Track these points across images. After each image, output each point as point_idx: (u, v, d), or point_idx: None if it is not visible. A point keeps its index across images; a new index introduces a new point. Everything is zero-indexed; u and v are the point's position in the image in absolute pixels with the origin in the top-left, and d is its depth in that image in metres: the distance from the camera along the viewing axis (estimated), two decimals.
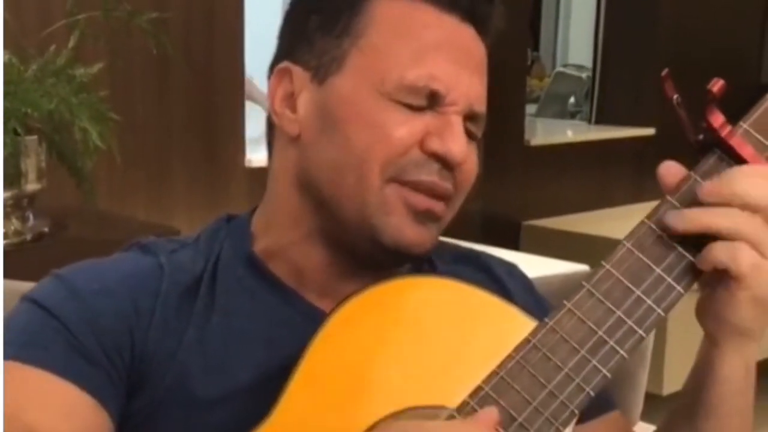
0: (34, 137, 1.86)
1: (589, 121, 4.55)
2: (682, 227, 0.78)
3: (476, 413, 0.75)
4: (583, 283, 0.79)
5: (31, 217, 1.93)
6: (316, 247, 0.91)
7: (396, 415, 0.78)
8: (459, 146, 0.86)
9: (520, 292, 0.99)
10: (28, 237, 1.91)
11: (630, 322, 0.78)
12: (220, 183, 2.87)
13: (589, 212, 4.07)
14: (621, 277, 0.79)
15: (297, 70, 0.91)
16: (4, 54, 1.82)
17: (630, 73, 4.25)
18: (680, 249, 0.79)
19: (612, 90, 4.40)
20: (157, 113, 2.74)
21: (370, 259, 0.89)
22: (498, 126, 4.04)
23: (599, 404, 0.94)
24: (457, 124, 0.87)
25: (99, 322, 0.84)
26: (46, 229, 1.96)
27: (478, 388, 0.77)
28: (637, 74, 4.20)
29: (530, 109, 4.87)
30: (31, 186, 1.89)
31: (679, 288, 0.79)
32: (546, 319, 0.79)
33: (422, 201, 0.87)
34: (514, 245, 3.77)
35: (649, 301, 0.79)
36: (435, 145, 0.86)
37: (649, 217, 0.81)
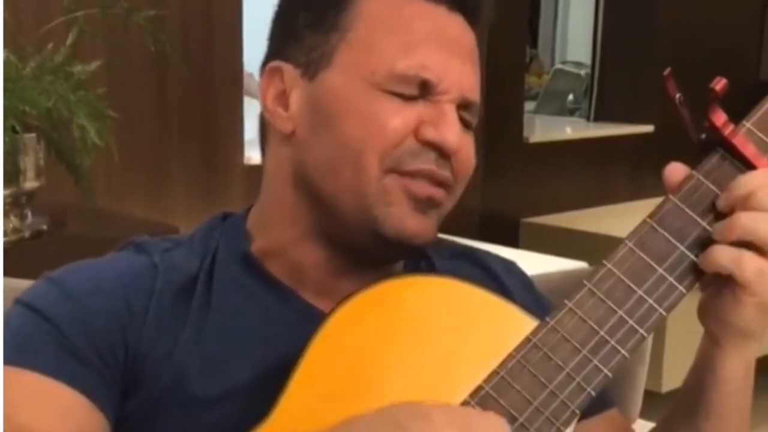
0: (33, 135, 1.86)
1: (588, 119, 4.55)
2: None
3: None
4: (585, 282, 0.79)
5: (29, 214, 1.93)
6: (312, 245, 0.90)
7: None
8: (454, 134, 0.86)
9: (518, 289, 0.99)
10: (27, 234, 1.91)
11: (631, 322, 0.78)
12: (219, 180, 2.87)
13: (588, 209, 4.07)
14: (622, 277, 0.79)
15: (287, 68, 0.91)
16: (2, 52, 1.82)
17: (629, 70, 4.25)
18: (683, 249, 0.79)
19: (611, 87, 4.40)
20: (156, 110, 2.73)
21: (370, 254, 0.89)
22: (497, 123, 4.07)
23: (598, 402, 0.94)
24: (451, 112, 0.87)
25: (91, 322, 0.83)
26: (44, 227, 1.96)
27: (479, 388, 0.76)
28: (636, 71, 4.19)
29: (529, 106, 4.87)
30: (30, 184, 1.89)
31: (681, 288, 0.79)
32: (547, 319, 0.78)
33: (423, 188, 0.87)
34: (513, 242, 3.77)
35: (650, 301, 0.78)
36: (429, 133, 0.86)
37: (651, 216, 0.80)
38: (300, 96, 0.90)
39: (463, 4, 0.91)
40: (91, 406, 0.81)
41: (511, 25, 3.72)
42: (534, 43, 6.71)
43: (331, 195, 0.88)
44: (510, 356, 0.77)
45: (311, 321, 0.81)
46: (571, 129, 4.61)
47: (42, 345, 0.82)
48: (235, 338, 0.87)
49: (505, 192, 3.79)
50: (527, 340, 0.78)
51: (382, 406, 0.74)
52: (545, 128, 4.68)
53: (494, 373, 0.77)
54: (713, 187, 0.80)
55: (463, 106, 0.89)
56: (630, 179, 4.20)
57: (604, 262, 0.79)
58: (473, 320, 0.84)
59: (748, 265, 0.76)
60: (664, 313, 0.79)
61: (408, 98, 0.86)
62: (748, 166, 0.80)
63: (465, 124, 0.90)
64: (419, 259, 0.98)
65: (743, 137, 0.80)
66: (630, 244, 0.80)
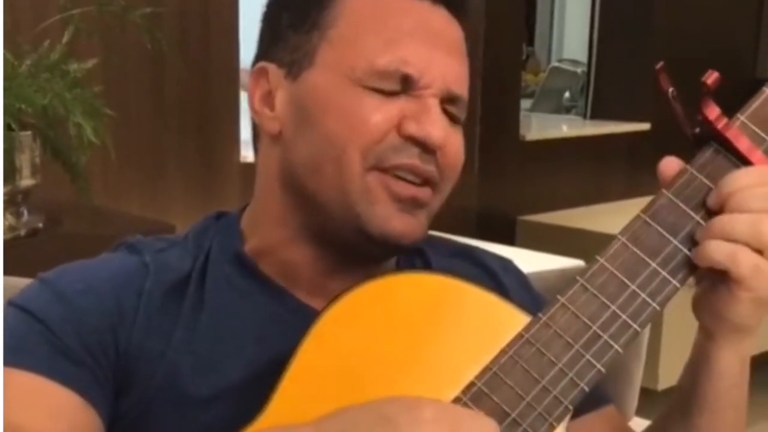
0: (29, 133, 1.86)
1: (585, 116, 4.55)
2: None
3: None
4: (578, 277, 0.79)
5: (25, 212, 1.93)
6: (303, 244, 0.90)
7: None
8: (437, 129, 0.85)
9: (515, 287, 0.99)
10: (23, 233, 1.91)
11: (625, 317, 0.78)
12: (215, 178, 2.86)
13: (584, 207, 4.07)
14: (616, 272, 0.79)
15: (272, 69, 0.91)
16: None
17: (625, 68, 4.25)
18: (676, 243, 0.79)
19: (607, 85, 4.40)
20: (152, 108, 2.73)
21: (359, 252, 0.89)
22: (493, 121, 4.06)
23: (594, 398, 0.94)
24: (434, 106, 0.86)
25: (84, 322, 0.84)
26: (40, 225, 1.96)
27: (471, 384, 0.76)
28: (632, 69, 4.19)
29: (525, 104, 4.86)
30: (26, 182, 1.89)
31: (674, 282, 0.79)
32: (539, 314, 0.78)
33: (405, 188, 0.86)
34: (510, 240, 3.77)
35: (644, 296, 0.78)
36: (412, 128, 0.85)
37: (644, 211, 0.80)
38: (284, 96, 0.90)
39: None
40: (85, 406, 0.81)
41: (507, 23, 3.72)
42: (530, 41, 6.71)
43: (316, 193, 0.87)
44: (503, 352, 0.77)
45: (305, 320, 0.81)
46: (567, 127, 4.61)
47: (35, 345, 0.82)
48: (228, 338, 0.87)
49: (501, 190, 3.79)
50: (520, 335, 0.78)
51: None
52: (542, 126, 4.67)
53: (487, 369, 0.77)
54: (707, 181, 0.80)
55: (448, 100, 0.88)
56: (627, 177, 4.20)
57: (597, 257, 0.79)
58: (466, 317, 0.84)
59: (743, 260, 0.76)
60: (657, 307, 0.78)
61: (390, 94, 0.86)
62: (742, 159, 0.80)
63: (452, 118, 0.89)
64: (414, 256, 0.98)
65: (737, 130, 0.80)
66: (623, 239, 0.80)
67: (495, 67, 3.60)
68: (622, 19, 4.30)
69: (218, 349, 0.86)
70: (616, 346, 0.77)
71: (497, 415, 0.75)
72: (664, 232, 0.79)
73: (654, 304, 0.78)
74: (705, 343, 0.84)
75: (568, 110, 5.39)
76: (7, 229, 1.88)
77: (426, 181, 0.87)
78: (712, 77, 0.79)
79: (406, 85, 0.86)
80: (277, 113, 0.90)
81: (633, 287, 0.78)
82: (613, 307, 0.78)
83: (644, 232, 0.80)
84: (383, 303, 0.83)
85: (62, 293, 0.85)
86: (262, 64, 0.92)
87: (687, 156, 0.83)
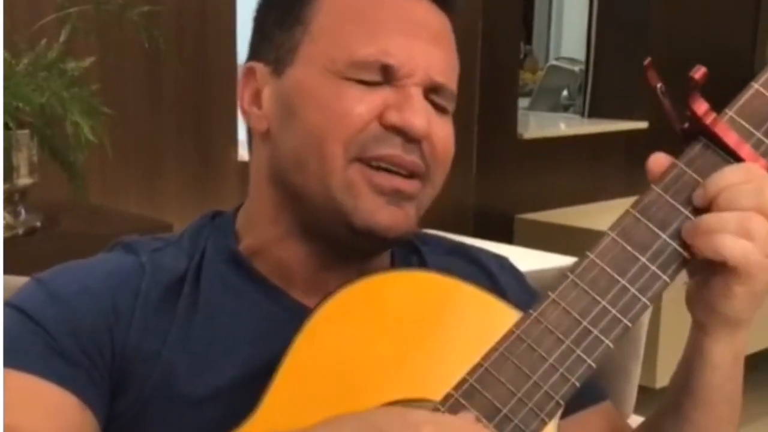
0: (26, 131, 1.85)
1: (582, 115, 4.55)
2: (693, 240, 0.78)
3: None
4: (568, 273, 0.79)
5: (23, 211, 1.92)
6: (295, 241, 0.90)
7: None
8: (419, 117, 0.85)
9: (511, 284, 0.99)
10: (20, 231, 1.90)
11: (615, 312, 0.78)
12: (213, 176, 2.86)
13: (582, 205, 4.07)
14: (606, 267, 0.79)
15: (259, 67, 0.91)
16: None
17: (623, 67, 4.25)
18: (665, 238, 0.79)
19: (605, 83, 4.40)
20: (149, 107, 2.73)
21: (349, 246, 0.89)
22: (491, 120, 4.06)
23: (590, 395, 0.94)
24: (417, 95, 0.86)
25: (79, 323, 0.83)
26: (38, 224, 1.95)
27: (463, 380, 0.76)
28: (630, 67, 4.19)
29: (523, 102, 4.87)
30: (23, 180, 1.89)
31: (664, 277, 0.79)
32: (530, 311, 0.78)
33: (387, 180, 0.85)
34: (508, 239, 3.77)
35: (634, 291, 0.78)
36: (393, 117, 0.85)
37: (633, 206, 0.81)
38: (270, 93, 0.90)
39: None
40: (81, 406, 0.81)
41: (505, 22, 3.72)
42: (528, 40, 6.72)
43: (301, 188, 0.87)
44: (494, 348, 0.77)
45: (299, 319, 0.81)
46: (565, 125, 4.61)
47: (30, 346, 0.82)
48: (223, 337, 0.87)
49: (499, 188, 3.79)
50: (511, 332, 0.78)
51: (366, 407, 0.74)
52: (539, 124, 4.67)
53: (478, 365, 0.77)
54: (696, 176, 0.80)
55: (432, 89, 0.88)
56: (624, 175, 4.20)
57: (587, 253, 0.79)
58: (458, 314, 0.84)
59: (736, 249, 0.76)
60: (647, 302, 0.79)
61: (371, 84, 0.85)
62: (731, 154, 0.80)
63: (438, 108, 0.89)
64: (410, 254, 0.98)
65: (725, 125, 0.80)
66: (613, 235, 0.80)
67: (493, 66, 3.60)
68: (619, 17, 4.31)
69: (213, 349, 0.86)
70: (606, 341, 0.77)
71: (489, 411, 0.75)
72: (654, 227, 0.79)
73: (644, 299, 0.79)
74: (698, 337, 0.84)
75: (565, 109, 5.40)
76: (5, 227, 1.88)
77: (412, 173, 0.87)
78: (699, 72, 0.79)
79: (388, 75, 0.85)
80: (265, 111, 0.90)
81: (623, 282, 0.79)
82: (604, 303, 0.78)
83: (634, 227, 0.80)
84: (376, 300, 0.83)
85: (57, 294, 0.85)
86: (249, 63, 0.92)
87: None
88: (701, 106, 0.80)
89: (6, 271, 1.05)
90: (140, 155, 2.71)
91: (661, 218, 0.80)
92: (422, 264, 0.98)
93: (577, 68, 5.32)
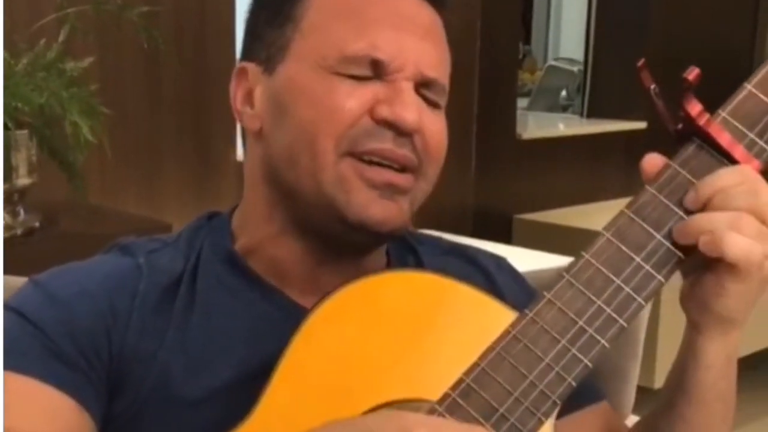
0: (25, 132, 1.86)
1: (581, 115, 4.55)
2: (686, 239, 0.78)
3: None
4: (563, 273, 0.79)
5: (21, 211, 1.92)
6: (290, 238, 0.90)
7: (378, 410, 0.77)
8: (410, 111, 0.85)
9: (509, 284, 1.00)
10: (19, 232, 1.91)
11: (610, 311, 0.78)
12: (212, 176, 2.86)
13: (581, 206, 4.07)
14: (601, 267, 0.79)
15: (251, 67, 0.91)
16: None
17: (622, 67, 4.25)
18: (660, 238, 0.80)
19: (604, 83, 4.40)
20: (148, 107, 2.73)
21: (343, 242, 0.89)
22: (490, 120, 4.06)
23: (587, 395, 0.95)
24: (407, 90, 0.86)
25: (76, 325, 0.83)
26: (36, 224, 1.96)
27: (460, 381, 0.76)
28: (629, 68, 4.17)
29: (522, 102, 4.87)
30: (22, 180, 1.89)
31: (659, 277, 0.79)
32: (526, 310, 0.79)
33: (379, 174, 0.85)
34: (506, 239, 3.78)
35: (629, 290, 0.79)
36: (384, 111, 0.85)
37: (628, 206, 0.81)
38: (262, 92, 0.90)
39: None
40: (78, 408, 0.81)
41: (504, 22, 3.73)
42: (527, 40, 6.72)
43: (294, 184, 0.87)
44: (490, 348, 0.77)
45: (294, 318, 0.81)
46: (564, 125, 4.61)
47: (28, 348, 0.82)
48: (220, 337, 0.87)
49: (498, 188, 3.79)
50: (507, 332, 0.78)
51: (363, 408, 0.74)
52: (538, 125, 4.68)
53: (475, 365, 0.77)
54: (690, 177, 0.80)
55: (423, 84, 0.88)
56: (623, 175, 4.21)
57: (582, 253, 0.80)
58: (455, 315, 0.84)
59: (734, 245, 0.76)
60: (642, 302, 0.79)
61: (362, 79, 0.85)
62: (724, 154, 0.80)
63: (430, 102, 0.89)
64: (407, 255, 0.98)
65: (718, 126, 0.80)
66: (608, 235, 0.80)
67: (491, 66, 3.60)
68: (618, 17, 4.31)
69: (209, 349, 0.86)
70: (602, 341, 0.78)
71: (486, 411, 0.75)
72: (648, 228, 0.80)
73: (639, 299, 0.79)
74: (692, 336, 0.84)
75: (564, 109, 5.40)
76: (4, 228, 1.88)
77: (404, 167, 0.87)
78: (692, 73, 0.79)
79: (378, 70, 0.86)
80: (257, 110, 0.91)
81: (618, 282, 0.79)
82: (599, 302, 0.78)
83: (628, 227, 0.80)
84: (373, 301, 0.83)
85: (55, 296, 0.85)
86: (241, 64, 0.93)
87: None
88: (695, 107, 0.80)
89: (5, 272, 1.05)
90: (139, 155, 2.71)
91: (655, 218, 0.80)
92: (419, 264, 0.98)
93: (575, 68, 5.33)
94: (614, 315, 0.78)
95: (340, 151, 0.85)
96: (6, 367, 0.80)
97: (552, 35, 6.99)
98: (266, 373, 0.79)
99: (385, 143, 0.85)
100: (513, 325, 0.78)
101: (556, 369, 0.77)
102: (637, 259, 0.79)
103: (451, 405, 0.76)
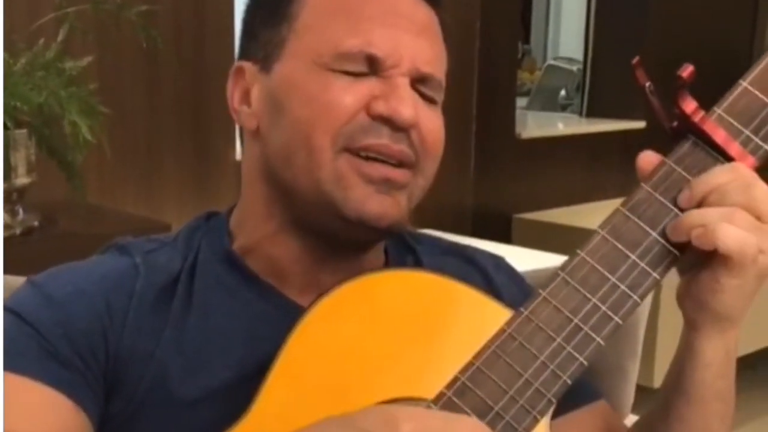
0: (24, 131, 1.85)
1: (580, 114, 4.55)
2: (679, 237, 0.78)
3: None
4: (558, 271, 0.79)
5: (20, 211, 1.92)
6: (288, 237, 0.90)
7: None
8: (406, 106, 0.85)
9: (506, 284, 1.00)
10: (18, 231, 1.90)
11: (605, 309, 0.78)
12: (211, 176, 2.86)
13: (580, 205, 4.07)
14: (596, 265, 0.79)
15: (248, 66, 0.92)
16: None
17: (621, 66, 4.22)
18: (655, 235, 0.80)
19: (603, 83, 4.40)
20: (147, 106, 2.73)
21: (342, 239, 0.88)
22: (489, 119, 4.06)
23: (584, 394, 0.95)
24: (403, 85, 0.86)
25: (73, 325, 0.83)
26: (35, 223, 1.95)
27: (455, 379, 0.76)
28: (628, 67, 4.19)
29: (521, 102, 4.87)
30: (21, 180, 1.89)
31: (654, 274, 0.79)
32: (521, 308, 0.79)
33: (376, 169, 0.85)
34: (506, 238, 3.78)
35: (624, 288, 0.79)
36: (380, 107, 0.85)
37: (623, 204, 0.81)
38: (259, 91, 0.90)
39: None
40: (75, 408, 0.81)
41: (503, 21, 3.72)
42: (526, 39, 6.72)
43: (291, 182, 0.87)
44: (485, 347, 0.77)
45: (292, 318, 0.81)
46: (563, 125, 4.61)
47: (25, 348, 0.82)
48: (217, 337, 0.87)
49: (497, 188, 3.79)
50: (502, 330, 0.78)
51: (359, 407, 0.74)
52: (537, 124, 4.68)
53: (470, 363, 0.77)
54: (685, 174, 0.81)
55: (419, 80, 0.88)
56: (622, 175, 4.20)
57: (578, 251, 0.80)
58: (452, 314, 0.84)
59: (729, 236, 0.76)
60: (638, 299, 0.79)
61: (357, 75, 0.86)
62: (720, 152, 0.81)
63: (426, 98, 0.89)
64: (406, 254, 0.98)
65: (714, 123, 0.80)
66: (603, 233, 0.80)
67: (491, 65, 3.60)
68: (617, 17, 4.31)
69: (207, 349, 0.86)
70: (597, 339, 0.78)
71: (481, 409, 0.75)
72: (644, 225, 0.80)
73: (635, 297, 0.79)
74: (690, 335, 0.84)
75: (563, 108, 5.40)
76: (3, 227, 1.87)
77: (401, 162, 0.87)
78: (687, 71, 0.79)
79: (373, 66, 0.86)
80: (254, 109, 0.91)
81: (613, 280, 0.79)
82: (594, 300, 0.78)
83: (624, 225, 0.80)
84: (369, 300, 0.83)
85: (51, 297, 0.85)
86: (238, 63, 0.93)
87: None
88: (690, 105, 0.80)
89: (4, 271, 1.05)
90: (138, 155, 2.71)
91: (650, 216, 0.80)
92: (417, 264, 0.98)
93: (575, 68, 5.33)
94: (610, 313, 0.78)
95: (336, 148, 0.85)
96: (3, 368, 0.80)
97: (551, 35, 6.99)
98: (264, 372, 0.79)
99: (382, 139, 0.85)
100: (508, 323, 0.78)
101: (552, 367, 0.77)
102: (633, 257, 0.79)
103: (446, 403, 0.76)
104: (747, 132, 0.81)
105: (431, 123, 0.88)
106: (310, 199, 0.86)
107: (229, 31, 2.85)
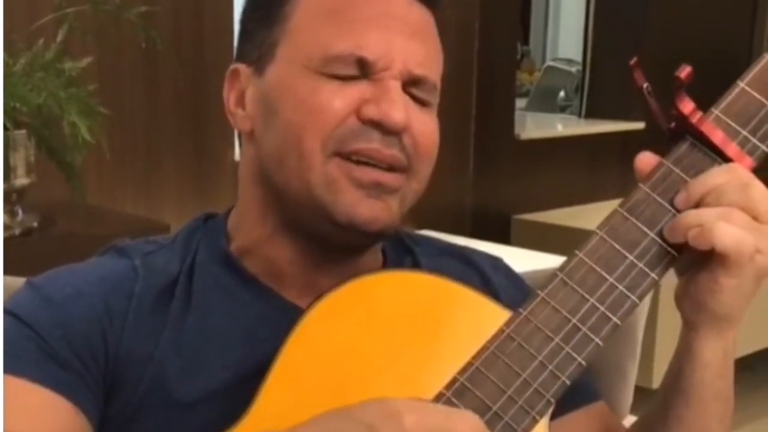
0: (23, 132, 1.85)
1: (579, 115, 4.55)
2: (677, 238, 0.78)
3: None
4: (557, 272, 0.80)
5: (20, 211, 1.92)
6: (283, 239, 0.90)
7: None
8: (397, 110, 0.84)
9: (504, 285, 1.00)
10: (17, 232, 1.90)
11: (603, 310, 0.78)
12: (210, 177, 2.86)
13: (579, 206, 4.07)
14: (594, 266, 0.79)
15: (243, 68, 0.92)
16: None
17: (620, 67, 4.23)
18: (653, 236, 0.80)
19: (602, 84, 4.40)
20: (147, 107, 2.73)
21: (335, 242, 0.88)
22: (488, 120, 4.06)
23: (583, 395, 0.95)
24: (395, 88, 0.85)
25: (72, 327, 0.83)
26: (35, 224, 1.95)
27: (454, 380, 0.77)
28: (627, 68, 4.19)
29: (520, 103, 4.87)
30: (20, 181, 1.89)
31: (652, 275, 0.79)
32: (520, 309, 0.79)
33: (366, 173, 0.85)
34: (505, 239, 3.78)
35: (622, 288, 0.79)
36: (371, 111, 0.84)
37: (621, 205, 0.81)
38: (253, 93, 0.90)
39: None
40: (74, 409, 0.81)
41: (502, 22, 3.72)
42: (525, 40, 6.72)
43: (283, 185, 0.87)
44: (484, 347, 0.77)
45: (290, 319, 0.81)
46: (562, 126, 4.61)
47: (24, 350, 0.82)
48: (216, 338, 0.87)
49: (496, 189, 3.79)
50: (501, 331, 0.78)
51: (353, 403, 0.74)
52: (536, 125, 4.68)
53: (469, 364, 0.77)
54: (683, 175, 0.81)
55: (411, 82, 0.87)
56: (621, 176, 4.21)
57: (576, 251, 0.80)
58: (450, 315, 0.84)
59: (726, 235, 0.76)
60: (636, 300, 0.79)
61: (347, 79, 0.85)
62: (718, 152, 0.81)
63: (419, 101, 0.88)
64: (404, 255, 0.98)
65: (711, 124, 0.81)
66: (601, 233, 0.80)
67: (490, 66, 3.60)
68: (617, 18, 4.31)
69: (205, 350, 0.86)
70: (596, 339, 0.78)
71: (480, 410, 0.75)
72: (642, 226, 0.80)
73: (633, 297, 0.79)
74: (688, 336, 0.84)
75: (562, 109, 5.40)
76: (2, 228, 1.87)
77: (392, 166, 0.86)
78: (684, 71, 0.79)
79: (364, 69, 0.85)
80: (248, 111, 0.91)
81: (611, 280, 0.79)
82: (592, 301, 0.79)
83: (622, 226, 0.80)
84: (367, 301, 0.83)
85: (51, 299, 0.85)
86: (233, 66, 0.93)
87: None
88: (687, 105, 0.80)
89: (3, 272, 1.05)
90: (137, 155, 2.71)
91: (648, 217, 0.80)
92: (415, 265, 0.98)
93: (574, 69, 5.33)
94: (608, 313, 0.78)
95: (327, 152, 0.85)
96: (3, 370, 0.80)
97: (550, 36, 7.00)
98: (262, 373, 0.79)
99: (372, 143, 0.85)
100: (507, 324, 0.78)
101: (550, 367, 0.77)
102: (631, 257, 0.79)
103: (445, 404, 0.76)
104: (744, 133, 0.81)
105: (424, 126, 0.88)
106: (302, 203, 0.86)
107: (229, 31, 2.85)
